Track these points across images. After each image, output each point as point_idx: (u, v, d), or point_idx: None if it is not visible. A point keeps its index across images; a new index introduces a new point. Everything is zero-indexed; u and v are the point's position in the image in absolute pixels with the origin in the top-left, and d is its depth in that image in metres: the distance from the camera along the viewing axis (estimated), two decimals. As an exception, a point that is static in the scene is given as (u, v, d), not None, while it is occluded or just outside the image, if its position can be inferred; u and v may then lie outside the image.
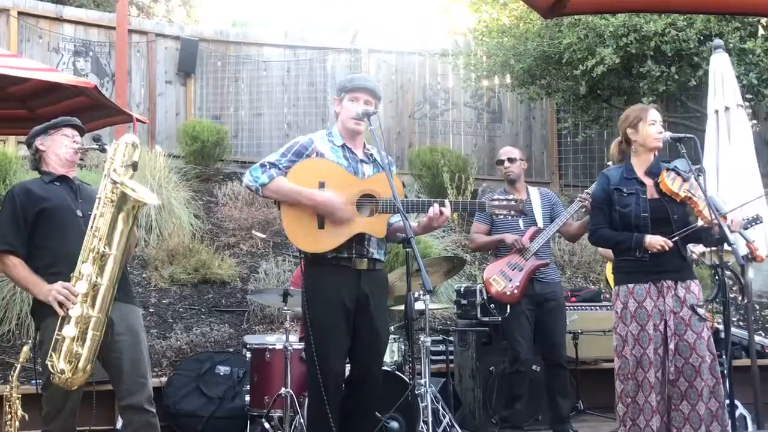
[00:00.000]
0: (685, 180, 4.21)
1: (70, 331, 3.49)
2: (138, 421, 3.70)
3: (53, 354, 3.51)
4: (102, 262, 3.56)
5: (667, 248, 4.13)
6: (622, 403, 4.19)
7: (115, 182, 3.62)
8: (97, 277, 3.54)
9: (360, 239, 3.83)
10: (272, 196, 3.87)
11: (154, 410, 3.76)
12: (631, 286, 4.23)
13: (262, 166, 3.83)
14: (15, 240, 3.72)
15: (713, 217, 3.96)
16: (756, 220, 4.68)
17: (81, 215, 3.79)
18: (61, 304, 3.53)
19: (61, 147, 3.90)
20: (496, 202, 3.88)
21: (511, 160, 5.60)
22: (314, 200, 3.75)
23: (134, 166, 3.75)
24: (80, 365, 3.51)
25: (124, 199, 3.59)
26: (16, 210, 3.75)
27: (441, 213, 3.79)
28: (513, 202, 3.87)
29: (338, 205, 3.74)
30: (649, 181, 4.31)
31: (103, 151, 3.82)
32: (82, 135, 4.04)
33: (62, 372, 3.50)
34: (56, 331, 3.53)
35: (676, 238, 4.17)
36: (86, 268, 3.54)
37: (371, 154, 4.06)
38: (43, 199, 3.76)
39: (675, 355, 4.11)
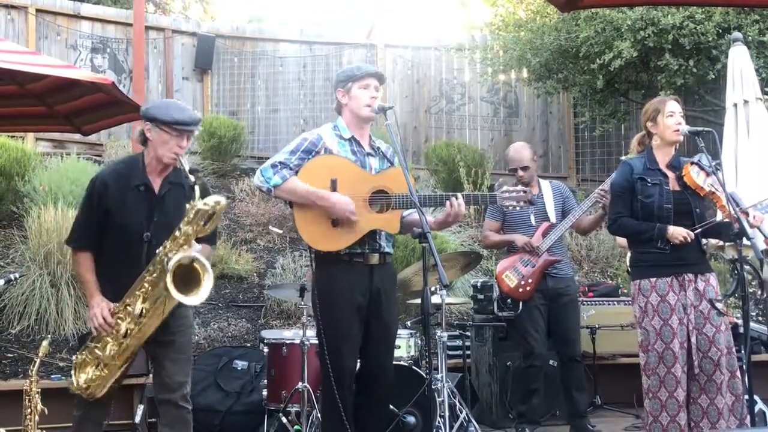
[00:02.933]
0: (708, 174, 4.19)
1: (96, 352, 3.68)
2: (172, 414, 3.81)
3: (78, 355, 3.70)
4: (137, 324, 3.61)
5: (689, 240, 4.11)
6: (648, 399, 4.18)
7: (166, 268, 3.45)
8: (128, 332, 3.61)
9: (372, 234, 3.81)
10: (285, 197, 3.84)
11: (189, 407, 3.84)
12: (653, 280, 4.20)
13: (273, 166, 3.79)
14: (86, 237, 3.79)
15: (734, 211, 3.93)
16: None
17: (147, 240, 3.71)
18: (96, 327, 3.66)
19: (164, 147, 3.68)
20: (506, 194, 3.86)
21: (524, 168, 5.54)
22: (328, 202, 3.72)
23: (193, 260, 3.51)
24: (97, 386, 3.69)
25: (166, 288, 3.49)
26: (92, 207, 3.77)
27: (458, 207, 3.75)
28: (522, 193, 3.85)
29: (351, 211, 3.71)
30: (670, 174, 4.29)
31: (192, 188, 3.47)
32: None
33: (78, 384, 3.70)
34: (89, 339, 3.72)
35: (699, 230, 4.15)
36: (125, 315, 3.62)
37: (378, 147, 4.05)
38: (116, 206, 3.71)
39: (697, 350, 4.10)
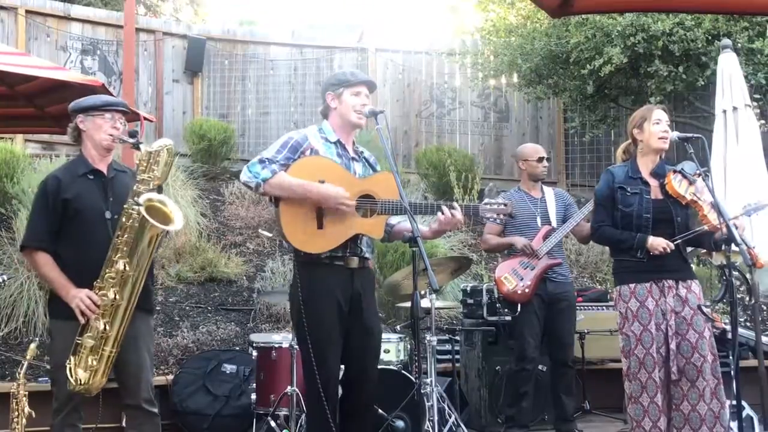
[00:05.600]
0: (691, 183, 4.20)
1: (88, 341, 3.59)
2: (137, 418, 3.83)
3: (72, 358, 3.60)
4: (123, 281, 3.60)
5: (668, 251, 4.13)
6: (631, 404, 4.19)
7: (137, 203, 3.55)
8: (116, 296, 3.59)
9: (354, 238, 3.80)
10: (273, 192, 3.76)
11: (154, 410, 3.85)
12: (632, 285, 4.23)
13: (261, 161, 3.76)
14: (46, 236, 3.75)
15: (721, 219, 3.94)
16: (758, 207, 4.56)
17: (109, 217, 3.77)
18: (83, 313, 3.60)
19: (99, 132, 3.83)
20: (488, 206, 3.86)
21: (548, 159, 5.77)
22: (320, 194, 3.70)
23: (159, 189, 3.65)
24: (96, 377, 3.61)
25: (144, 223, 3.56)
26: (47, 204, 3.77)
27: (453, 216, 3.75)
28: (503, 206, 3.85)
29: (345, 197, 3.70)
30: (653, 182, 4.31)
31: (137, 148, 3.67)
32: (128, 119, 3.93)
33: (78, 381, 3.59)
34: (77, 336, 3.62)
35: (679, 241, 4.17)
36: (109, 282, 3.59)
37: (361, 152, 4.05)
38: (72, 195, 3.75)
39: (677, 355, 4.11)
